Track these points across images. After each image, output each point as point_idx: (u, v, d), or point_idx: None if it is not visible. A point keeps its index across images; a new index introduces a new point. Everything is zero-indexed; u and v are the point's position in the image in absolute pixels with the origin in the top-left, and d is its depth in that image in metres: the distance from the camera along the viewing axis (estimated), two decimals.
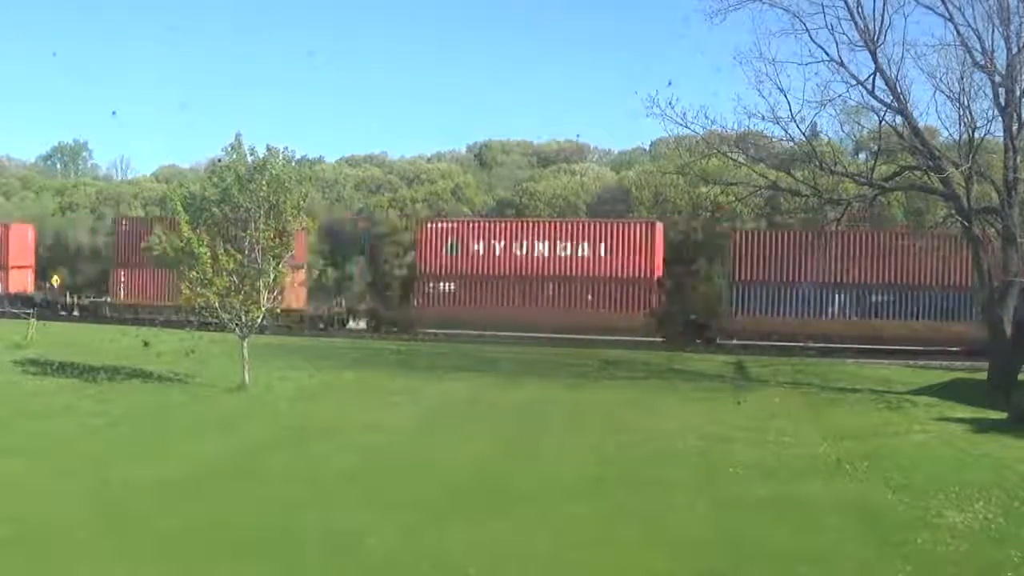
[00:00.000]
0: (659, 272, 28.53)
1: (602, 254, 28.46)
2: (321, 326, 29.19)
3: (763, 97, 20.48)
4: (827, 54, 19.55)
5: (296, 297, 27.70)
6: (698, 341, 27.17)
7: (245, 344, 18.13)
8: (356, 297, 30.17)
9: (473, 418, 15.53)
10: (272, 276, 17.98)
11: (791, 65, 20.38)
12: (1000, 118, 19.10)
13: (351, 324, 29.71)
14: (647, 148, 66.92)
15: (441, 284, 28.79)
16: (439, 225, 30.04)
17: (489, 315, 27.60)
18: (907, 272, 26.28)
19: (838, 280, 26.31)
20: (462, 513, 9.65)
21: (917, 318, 26.04)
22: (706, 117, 21.04)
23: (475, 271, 28.92)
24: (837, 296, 26.50)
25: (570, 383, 19.70)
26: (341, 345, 26.64)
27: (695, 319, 27.82)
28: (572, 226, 29.87)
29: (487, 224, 30.71)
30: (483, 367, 22.12)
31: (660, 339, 27.28)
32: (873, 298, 26.36)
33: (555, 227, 29.61)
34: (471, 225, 30.31)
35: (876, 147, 22.78)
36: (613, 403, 17.31)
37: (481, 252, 28.95)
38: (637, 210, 46.28)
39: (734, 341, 26.77)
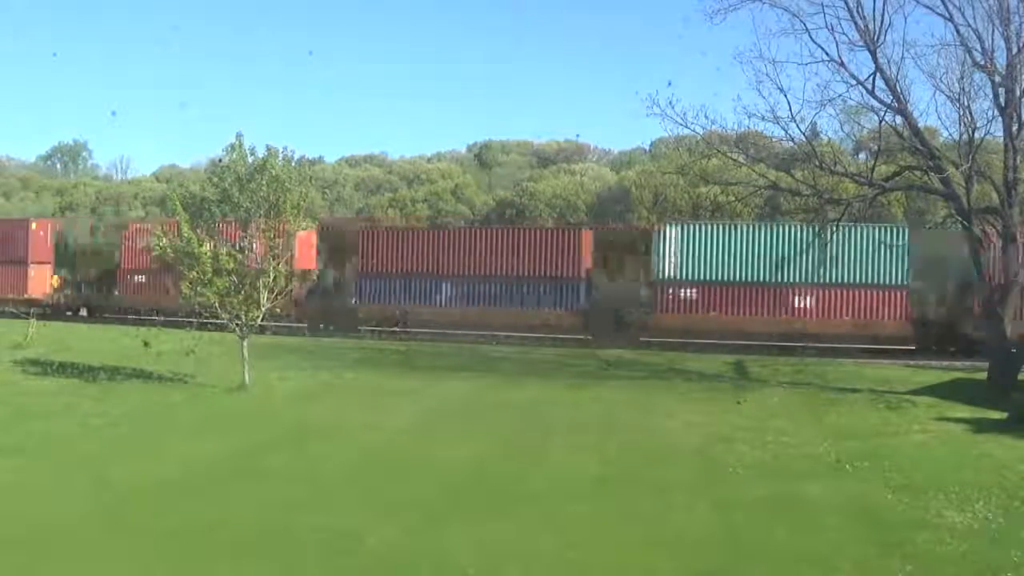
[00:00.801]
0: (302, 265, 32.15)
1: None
2: (50, 312, 33.47)
3: (763, 97, 20.50)
4: (827, 54, 19.56)
5: (44, 287, 35.20)
6: (331, 327, 30.03)
7: (245, 344, 18.15)
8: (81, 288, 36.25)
9: (474, 418, 15.54)
10: (272, 276, 17.99)
11: (791, 65, 20.41)
12: (1000, 118, 19.09)
13: (83, 312, 35.30)
14: (647, 148, 67.14)
15: (136, 276, 33.91)
16: (136, 227, 35.69)
17: (159, 301, 32.49)
18: (516, 265, 29.17)
19: (448, 272, 29.77)
20: (462, 513, 9.66)
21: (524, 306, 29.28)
22: (706, 117, 21.02)
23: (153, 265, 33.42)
24: (445, 286, 29.85)
25: (570, 383, 19.72)
26: (342, 345, 26.72)
27: (325, 307, 31.37)
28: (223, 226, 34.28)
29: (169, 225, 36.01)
30: (483, 367, 22.15)
31: (302, 324, 30.47)
32: (481, 288, 29.62)
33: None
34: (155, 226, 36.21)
35: (876, 147, 22.79)
36: (614, 403, 17.32)
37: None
38: (637, 210, 46.38)
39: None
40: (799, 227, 25.66)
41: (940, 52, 19.44)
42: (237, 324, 18.11)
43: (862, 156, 37.33)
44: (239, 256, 17.62)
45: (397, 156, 74.70)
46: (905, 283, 25.62)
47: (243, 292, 17.78)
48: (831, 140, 26.42)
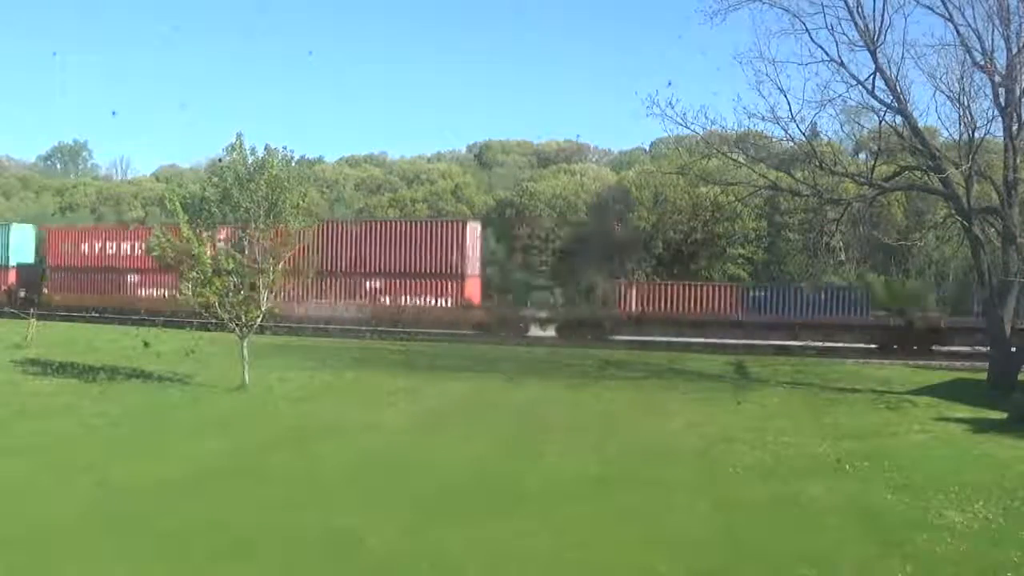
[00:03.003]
0: None
1: None
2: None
3: (763, 97, 20.63)
4: (827, 54, 19.61)
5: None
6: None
7: (245, 344, 18.13)
8: None
9: (473, 418, 15.54)
10: (272, 276, 17.97)
11: (791, 65, 20.47)
12: (1000, 118, 19.12)
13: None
14: (647, 148, 66.99)
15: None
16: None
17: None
18: None
19: None
20: (462, 513, 9.65)
21: None
22: (706, 117, 21.20)
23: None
24: None
25: (570, 383, 19.72)
26: (341, 345, 26.71)
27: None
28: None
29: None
30: (483, 367, 22.14)
31: None
32: None
33: None
34: None
35: (876, 147, 22.82)
36: (613, 403, 17.32)
37: None
38: (637, 210, 46.31)
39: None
40: None
41: (940, 52, 19.51)
42: (237, 324, 18.10)
43: (862, 156, 37.30)
44: (238, 256, 17.61)
45: (397, 156, 74.61)
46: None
47: (243, 292, 17.78)
48: (831, 140, 26.47)
